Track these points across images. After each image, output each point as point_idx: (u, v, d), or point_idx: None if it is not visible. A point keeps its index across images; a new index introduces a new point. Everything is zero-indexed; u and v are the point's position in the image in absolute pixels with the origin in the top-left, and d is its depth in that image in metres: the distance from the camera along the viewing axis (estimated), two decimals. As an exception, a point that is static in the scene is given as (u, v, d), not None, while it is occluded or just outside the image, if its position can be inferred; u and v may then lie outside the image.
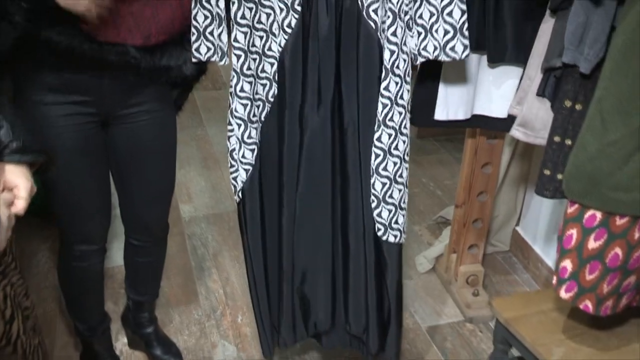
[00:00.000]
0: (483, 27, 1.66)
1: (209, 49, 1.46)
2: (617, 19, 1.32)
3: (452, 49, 1.42)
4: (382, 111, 1.45)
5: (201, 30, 1.43)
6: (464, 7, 1.40)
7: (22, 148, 1.05)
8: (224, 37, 1.46)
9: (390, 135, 1.48)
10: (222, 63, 1.49)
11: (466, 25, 1.41)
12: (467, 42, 1.42)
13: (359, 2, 1.38)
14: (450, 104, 1.79)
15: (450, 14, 1.39)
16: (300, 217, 1.57)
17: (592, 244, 1.38)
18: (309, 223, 1.58)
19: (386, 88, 1.44)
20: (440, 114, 1.80)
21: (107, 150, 1.57)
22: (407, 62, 1.44)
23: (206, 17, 1.42)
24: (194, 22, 1.43)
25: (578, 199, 1.36)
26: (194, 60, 1.47)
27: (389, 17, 1.39)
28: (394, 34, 1.40)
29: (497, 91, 1.80)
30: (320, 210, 1.57)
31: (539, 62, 1.53)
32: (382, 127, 1.47)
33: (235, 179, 1.58)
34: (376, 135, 1.48)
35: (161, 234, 1.81)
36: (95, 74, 1.41)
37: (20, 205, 1.03)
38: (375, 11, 1.38)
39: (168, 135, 1.62)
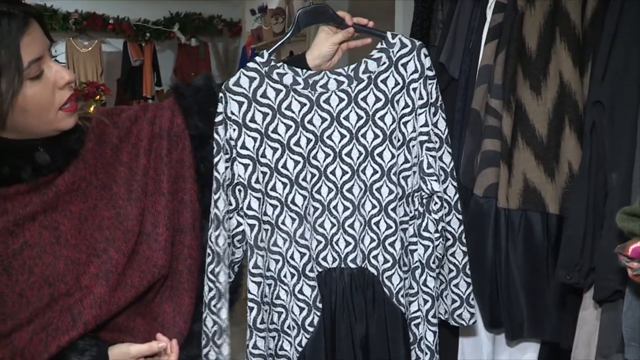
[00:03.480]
0: (497, 305, 1.62)
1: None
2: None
3: (460, 316, 1.46)
4: None
5: (210, 335, 1.35)
6: (469, 280, 1.45)
7: None
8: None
9: None
10: None
11: (472, 296, 1.45)
12: (473, 310, 1.46)
13: (386, 291, 1.35)
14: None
15: (457, 285, 1.44)
16: None
17: None
18: None
19: None
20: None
21: None
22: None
23: (215, 323, 1.36)
24: (203, 327, 1.35)
25: None
26: None
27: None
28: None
29: (515, 368, 1.73)
30: None
31: (587, 352, 1.42)
32: None
33: None
34: None
35: None
36: None
37: None
38: (403, 296, 1.36)
39: None
